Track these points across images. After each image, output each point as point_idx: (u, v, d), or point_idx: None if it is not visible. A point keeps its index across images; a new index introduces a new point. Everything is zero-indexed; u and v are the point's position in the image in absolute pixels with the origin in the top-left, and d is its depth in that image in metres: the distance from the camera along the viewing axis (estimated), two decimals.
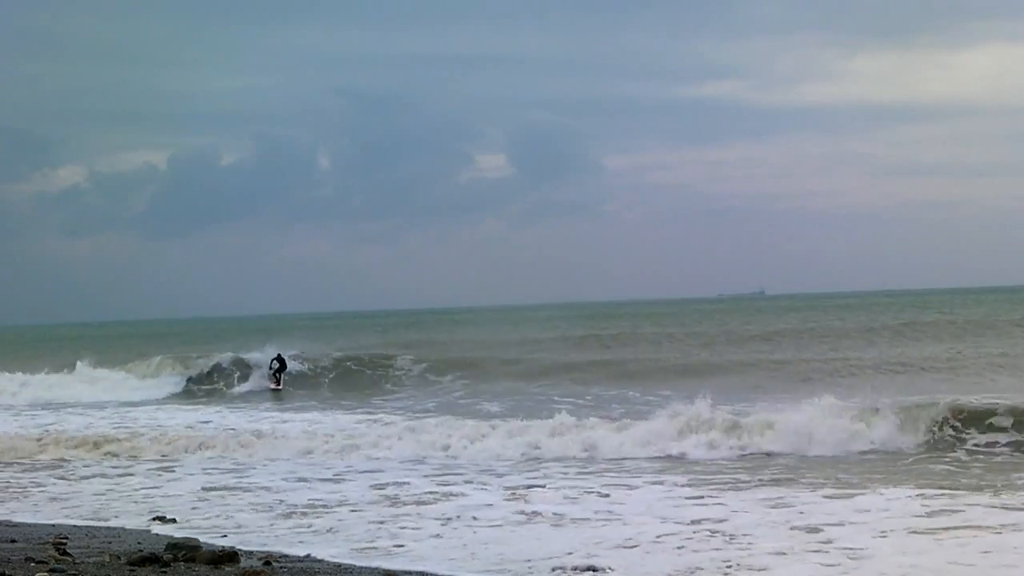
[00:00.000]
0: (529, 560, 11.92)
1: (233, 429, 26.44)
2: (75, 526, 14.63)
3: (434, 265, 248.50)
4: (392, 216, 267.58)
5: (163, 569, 11.01)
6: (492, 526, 14.01)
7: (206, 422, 29.56)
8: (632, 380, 34.89)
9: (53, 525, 14.67)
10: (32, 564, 10.97)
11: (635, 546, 12.52)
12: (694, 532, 13.16)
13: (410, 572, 11.46)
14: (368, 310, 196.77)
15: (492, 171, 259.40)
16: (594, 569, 11.33)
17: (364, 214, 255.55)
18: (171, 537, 12.83)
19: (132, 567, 11.07)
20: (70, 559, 11.50)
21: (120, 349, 65.54)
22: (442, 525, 14.21)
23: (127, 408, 35.13)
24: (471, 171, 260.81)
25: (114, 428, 27.86)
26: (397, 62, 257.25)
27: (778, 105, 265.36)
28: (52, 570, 10.66)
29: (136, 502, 16.87)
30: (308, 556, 12.31)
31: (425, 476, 18.81)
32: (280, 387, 39.33)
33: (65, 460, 22.38)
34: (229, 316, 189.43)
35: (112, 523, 14.97)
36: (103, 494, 17.78)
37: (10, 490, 18.39)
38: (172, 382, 42.40)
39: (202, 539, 12.97)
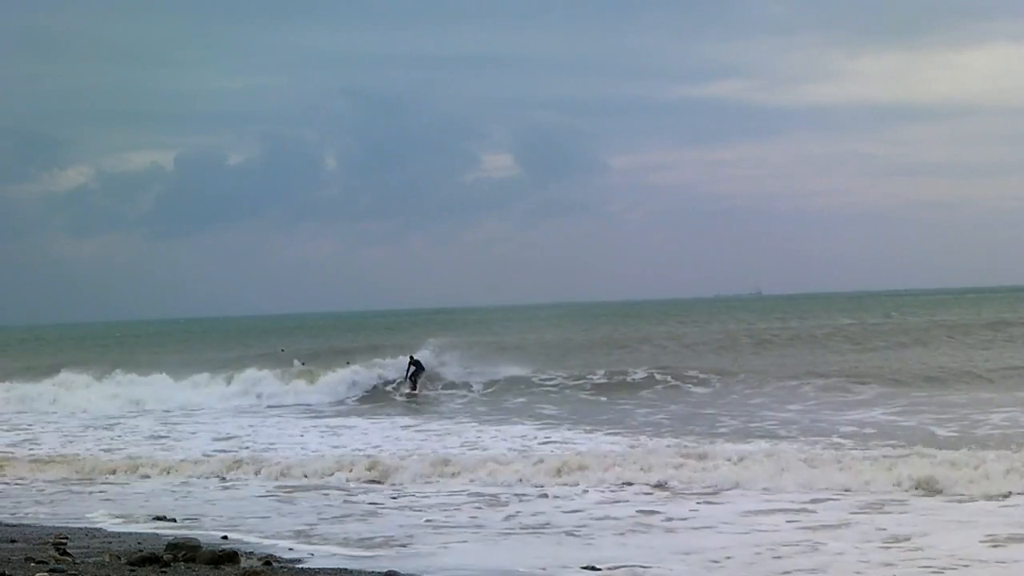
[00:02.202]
0: None
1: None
2: (76, 527, 14.57)
3: (439, 265, 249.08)
4: (397, 216, 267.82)
5: (163, 569, 10.98)
6: None
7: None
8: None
9: (54, 526, 14.63)
10: (32, 564, 10.94)
11: None
12: None
13: (412, 573, 11.41)
14: (374, 310, 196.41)
15: (497, 171, 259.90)
16: None
17: (370, 214, 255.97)
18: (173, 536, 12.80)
19: (132, 567, 11.04)
20: (70, 559, 11.47)
21: (184, 350, 61.81)
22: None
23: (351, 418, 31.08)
24: (476, 171, 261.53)
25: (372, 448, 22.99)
26: (402, 62, 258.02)
27: (781, 105, 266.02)
28: (52, 570, 10.62)
29: None
30: (311, 556, 12.29)
31: None
32: (417, 392, 36.82)
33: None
34: (232, 317, 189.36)
35: (116, 524, 14.93)
36: None
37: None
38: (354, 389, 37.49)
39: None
